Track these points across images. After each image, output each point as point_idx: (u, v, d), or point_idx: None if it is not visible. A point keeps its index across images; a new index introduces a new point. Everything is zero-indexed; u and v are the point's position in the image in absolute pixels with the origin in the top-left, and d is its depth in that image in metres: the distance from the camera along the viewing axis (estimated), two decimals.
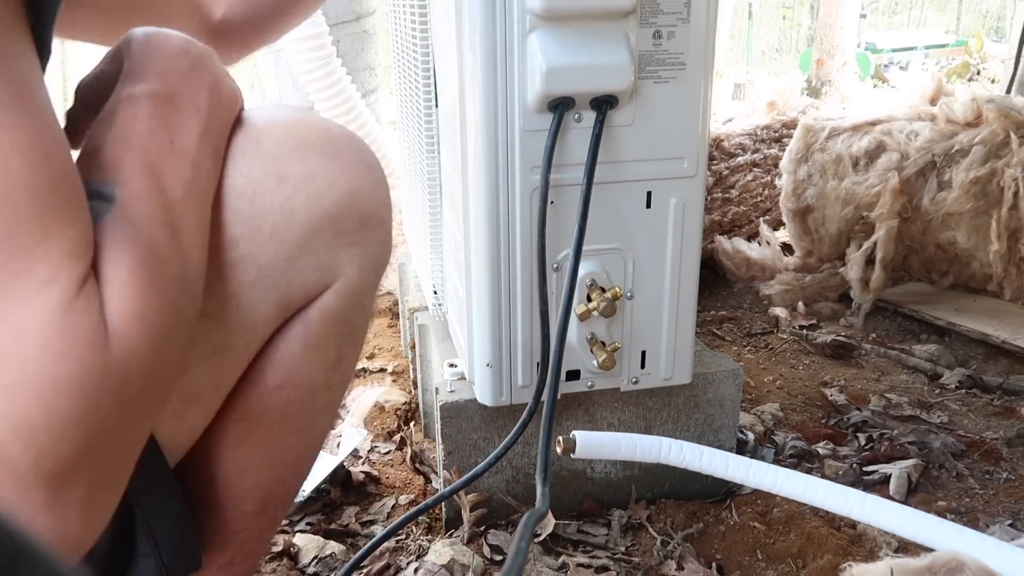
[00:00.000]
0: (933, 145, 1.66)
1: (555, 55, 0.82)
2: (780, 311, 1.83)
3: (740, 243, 2.07)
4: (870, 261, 1.77)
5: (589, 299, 0.93)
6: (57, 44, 0.46)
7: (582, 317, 0.92)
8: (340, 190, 0.55)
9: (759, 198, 2.22)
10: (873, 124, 1.80)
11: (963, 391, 1.44)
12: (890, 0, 20.86)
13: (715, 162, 2.15)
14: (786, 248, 2.10)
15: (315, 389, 0.59)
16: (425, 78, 1.09)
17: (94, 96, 0.53)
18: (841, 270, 1.83)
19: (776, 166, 2.24)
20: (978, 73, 10.34)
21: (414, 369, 1.33)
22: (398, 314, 1.72)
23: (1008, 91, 2.77)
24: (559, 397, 0.98)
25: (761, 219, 2.19)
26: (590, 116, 0.87)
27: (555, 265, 0.93)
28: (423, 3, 1.07)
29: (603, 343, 0.94)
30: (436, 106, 1.09)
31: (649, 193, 0.93)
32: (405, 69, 1.30)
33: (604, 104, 0.86)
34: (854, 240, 1.80)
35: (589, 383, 0.99)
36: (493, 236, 0.91)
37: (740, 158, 2.19)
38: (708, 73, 0.90)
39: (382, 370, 1.49)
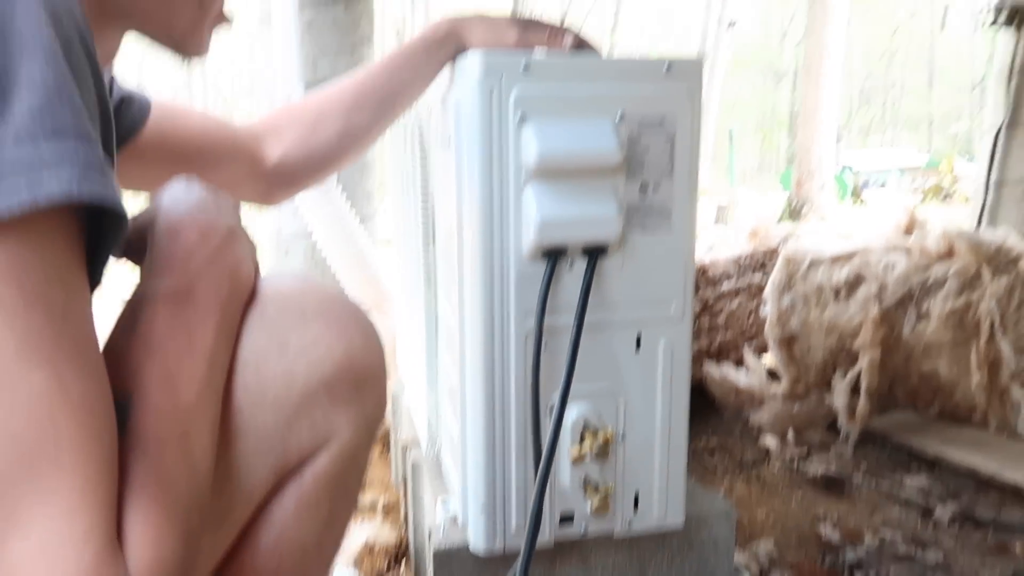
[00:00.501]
0: (910, 277, 1.72)
1: (548, 208, 0.87)
2: (770, 440, 1.83)
3: (728, 370, 2.09)
4: (856, 390, 1.79)
5: (582, 439, 0.94)
6: None
7: (575, 461, 0.93)
8: (337, 355, 0.58)
9: (745, 324, 2.27)
10: (851, 255, 1.87)
11: (956, 526, 1.43)
12: (864, 122, 21.88)
13: (701, 289, 2.20)
14: (773, 374, 2.12)
15: (307, 549, 0.59)
16: (424, 219, 1.13)
17: (131, 244, 0.57)
18: (828, 398, 1.84)
19: (760, 293, 2.29)
20: (949, 196, 10.76)
21: (405, 504, 1.31)
22: (389, 444, 1.71)
23: (979, 220, 2.88)
24: (553, 544, 0.97)
25: (746, 345, 2.22)
26: (582, 263, 0.91)
27: (550, 407, 0.94)
28: (423, 147, 1.13)
29: (596, 487, 0.95)
30: (433, 242, 1.14)
31: (639, 335, 0.95)
32: (404, 205, 1.36)
33: (595, 252, 0.90)
34: (839, 369, 1.83)
35: (583, 528, 0.98)
36: (488, 378, 0.93)
37: (725, 285, 2.25)
38: (692, 222, 0.94)
39: (372, 505, 1.47)
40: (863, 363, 1.72)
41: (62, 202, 0.38)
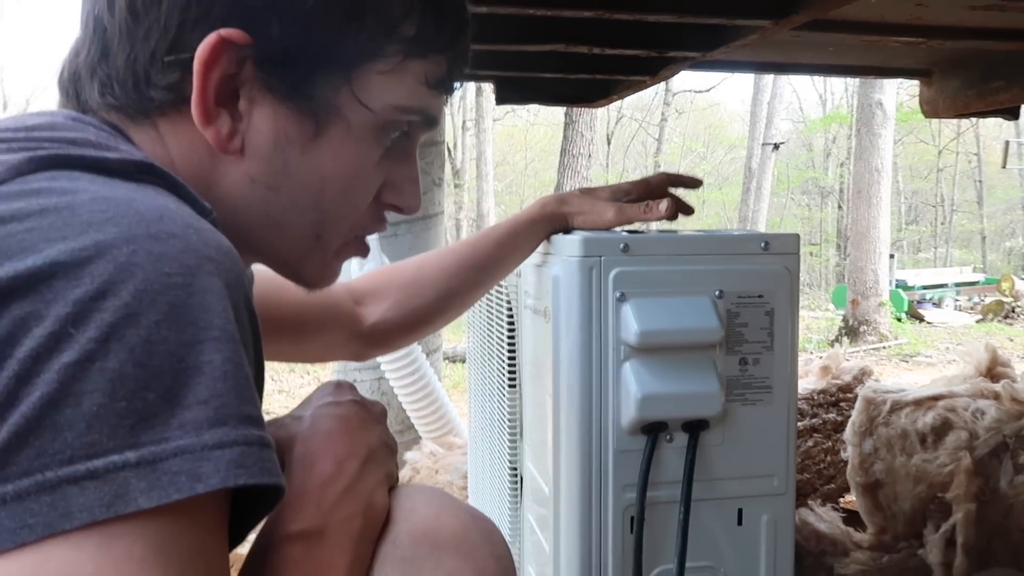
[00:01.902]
0: (1002, 426, 1.66)
1: (649, 384, 0.87)
2: None
3: (808, 515, 2.01)
4: (950, 543, 1.70)
5: None
6: None
7: None
8: None
9: (822, 465, 2.19)
10: (936, 399, 1.81)
11: None
12: (914, 238, 21.75)
13: None
14: (854, 518, 2.03)
15: None
16: (508, 368, 1.14)
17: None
18: (920, 552, 1.75)
19: (836, 431, 2.23)
20: (1013, 311, 10.48)
21: None
22: None
23: None
24: None
25: (815, 497, 2.14)
26: (682, 437, 0.90)
27: None
28: (511, 305, 1.16)
29: None
30: (517, 388, 1.14)
31: (740, 511, 0.93)
32: (485, 355, 1.37)
33: (696, 427, 0.89)
34: (930, 520, 1.74)
35: None
36: (586, 552, 0.91)
37: (799, 424, 2.19)
38: (793, 393, 0.93)
39: None
40: (958, 517, 1.63)
41: (220, 491, 0.39)
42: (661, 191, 0.99)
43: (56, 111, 0.55)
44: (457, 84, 0.62)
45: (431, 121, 0.61)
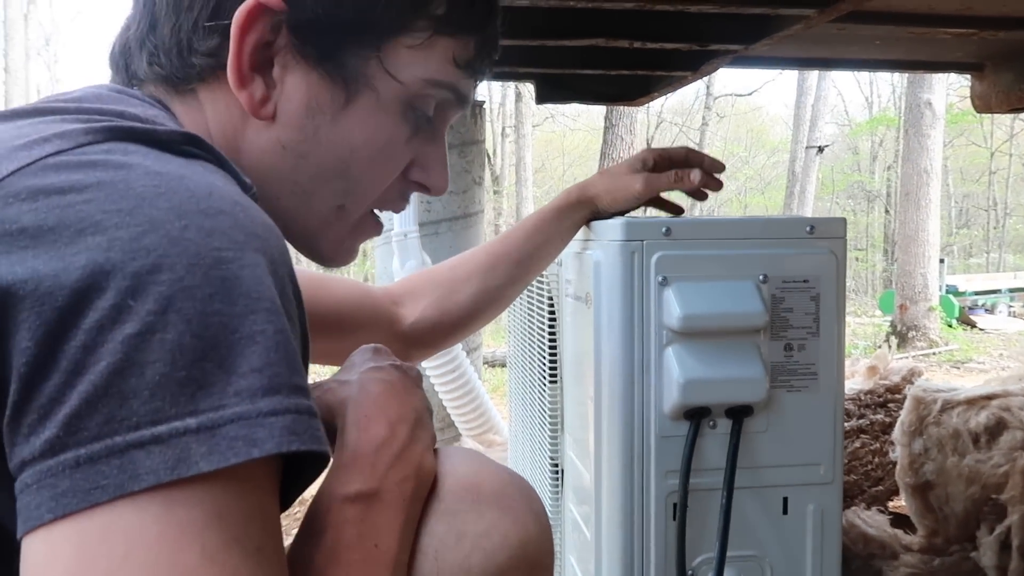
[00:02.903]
0: None
1: (692, 368, 0.86)
2: None
3: (855, 517, 1.97)
4: (1005, 546, 1.65)
5: None
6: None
7: None
8: (512, 544, 0.57)
9: (869, 466, 2.14)
10: (989, 398, 1.76)
11: None
12: (965, 243, 21.19)
13: None
14: (903, 521, 1.98)
15: None
16: (549, 360, 1.14)
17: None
18: (973, 555, 1.70)
19: (884, 432, 2.18)
20: None
21: None
22: None
23: None
24: None
25: (866, 493, 2.09)
26: (725, 423, 0.89)
27: (690, 572, 0.90)
28: (551, 294, 1.16)
29: None
30: (558, 383, 1.14)
31: (785, 499, 0.91)
32: (526, 343, 1.37)
33: (739, 413, 0.88)
34: (984, 522, 1.69)
35: None
36: (627, 537, 0.90)
37: (846, 424, 2.15)
38: (840, 381, 0.92)
39: None
40: (1013, 519, 1.58)
41: (273, 456, 0.41)
42: (685, 162, 0.97)
43: (100, 85, 0.57)
44: (487, 69, 0.63)
45: (461, 99, 0.62)
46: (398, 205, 0.66)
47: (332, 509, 0.52)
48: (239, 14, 0.52)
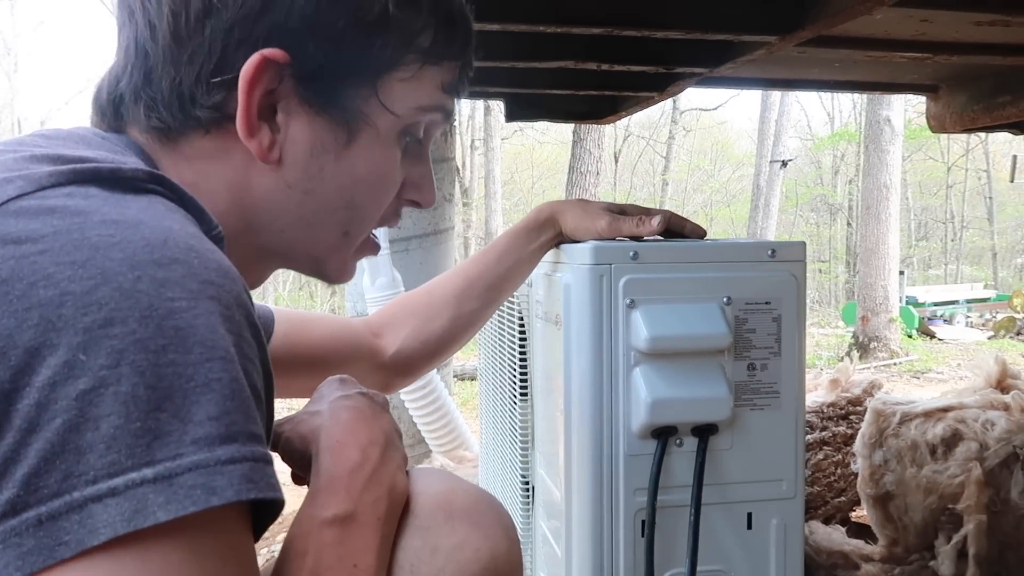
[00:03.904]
0: (1012, 436, 1.66)
1: (659, 388, 0.89)
2: None
3: (818, 527, 2.01)
4: (962, 555, 1.69)
5: None
6: None
7: None
8: (483, 557, 0.60)
9: (832, 478, 2.19)
10: (945, 411, 1.81)
11: None
12: (924, 255, 21.67)
13: None
14: (865, 531, 2.02)
15: None
16: (520, 377, 1.16)
17: (294, 453, 0.62)
18: (932, 564, 1.74)
19: (845, 444, 2.23)
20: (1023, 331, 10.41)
21: None
22: None
23: None
24: None
25: (829, 504, 2.14)
26: (691, 441, 0.91)
27: None
28: (521, 314, 1.18)
29: None
30: (528, 399, 1.16)
31: (750, 515, 0.94)
32: (496, 362, 1.39)
33: (705, 432, 0.90)
34: (942, 531, 1.74)
35: None
36: (597, 554, 0.92)
37: (809, 437, 2.19)
38: (801, 398, 0.95)
39: None
40: (969, 528, 1.63)
41: (232, 504, 0.42)
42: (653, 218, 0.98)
43: (87, 128, 0.58)
44: (465, 88, 0.67)
45: (447, 116, 0.66)
46: (392, 221, 0.69)
47: (312, 533, 0.54)
48: (247, 69, 0.53)
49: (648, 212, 0.98)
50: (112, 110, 0.58)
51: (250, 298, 0.49)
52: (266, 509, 0.46)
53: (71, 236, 0.43)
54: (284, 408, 5.31)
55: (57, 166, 0.48)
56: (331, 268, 0.66)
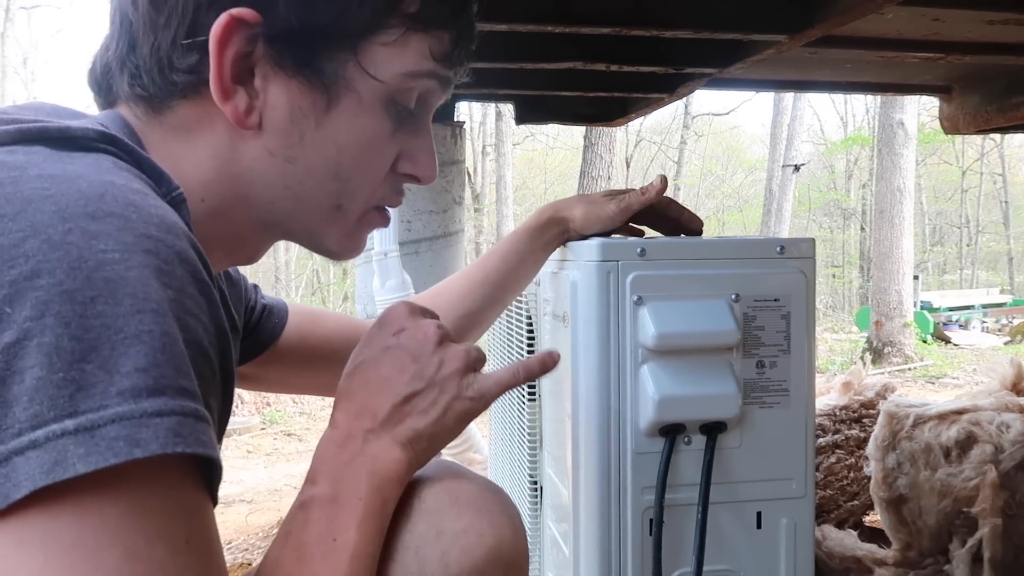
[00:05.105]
0: None
1: (666, 386, 0.88)
2: None
3: (830, 531, 1.99)
4: (977, 558, 1.67)
5: None
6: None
7: None
8: (488, 543, 0.60)
9: (845, 481, 2.17)
10: (959, 413, 1.79)
11: None
12: (939, 259, 21.51)
13: None
14: (878, 535, 2.00)
15: None
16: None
17: None
18: (946, 568, 1.72)
19: (859, 447, 2.21)
20: None
21: None
22: None
23: None
24: None
25: (842, 507, 2.12)
26: (699, 439, 0.90)
27: None
28: (529, 311, 1.17)
29: None
30: (536, 401, 1.15)
31: (759, 514, 0.93)
32: (505, 358, 1.39)
33: (713, 430, 0.90)
34: (956, 535, 1.72)
35: None
36: (605, 553, 0.91)
37: (821, 440, 2.18)
38: (811, 396, 0.94)
39: None
40: (984, 531, 1.61)
41: (158, 456, 0.41)
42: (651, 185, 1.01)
43: (61, 105, 0.57)
44: (465, 60, 0.64)
45: (443, 83, 0.63)
46: (395, 200, 0.67)
47: (296, 514, 0.56)
48: (215, 29, 0.53)
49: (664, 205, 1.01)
50: (105, 83, 0.59)
51: (200, 254, 0.48)
52: (209, 472, 0.45)
53: (4, 190, 0.42)
54: (291, 402, 5.33)
55: (5, 126, 0.48)
56: (331, 243, 0.65)
